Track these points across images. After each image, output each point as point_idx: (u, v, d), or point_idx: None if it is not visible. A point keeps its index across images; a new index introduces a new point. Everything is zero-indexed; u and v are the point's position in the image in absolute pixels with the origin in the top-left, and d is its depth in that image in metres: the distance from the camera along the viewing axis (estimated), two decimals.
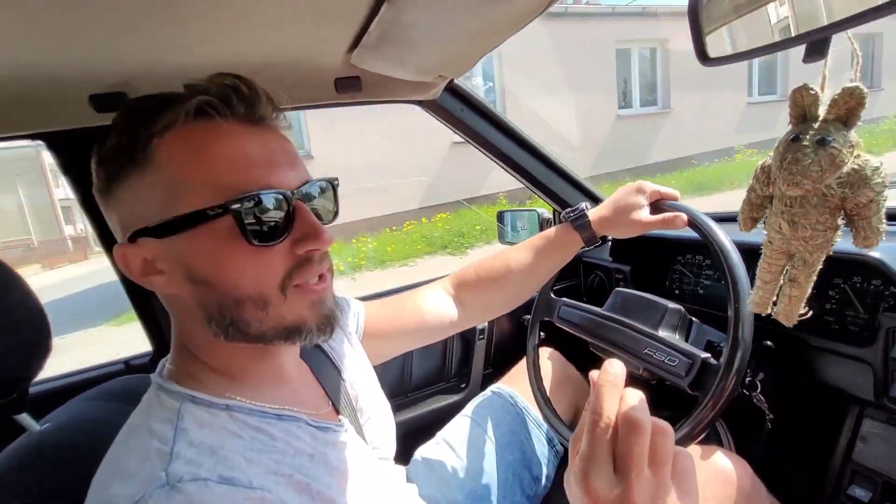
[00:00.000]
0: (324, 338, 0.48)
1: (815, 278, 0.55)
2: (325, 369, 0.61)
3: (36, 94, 0.70)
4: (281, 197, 0.43)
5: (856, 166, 0.47)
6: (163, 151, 0.41)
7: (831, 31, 0.36)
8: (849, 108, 0.46)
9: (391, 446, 0.65)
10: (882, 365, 0.70)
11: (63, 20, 0.50)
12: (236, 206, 0.41)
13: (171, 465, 0.38)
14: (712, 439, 0.91)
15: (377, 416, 0.63)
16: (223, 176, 0.41)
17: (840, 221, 0.51)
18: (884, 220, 0.49)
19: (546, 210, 1.39)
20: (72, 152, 0.83)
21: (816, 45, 0.39)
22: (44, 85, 0.68)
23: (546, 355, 1.06)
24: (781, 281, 0.57)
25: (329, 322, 0.48)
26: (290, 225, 0.44)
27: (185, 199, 0.41)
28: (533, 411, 0.97)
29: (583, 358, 1.04)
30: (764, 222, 0.58)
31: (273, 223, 0.42)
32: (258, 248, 0.42)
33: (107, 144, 0.44)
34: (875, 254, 0.71)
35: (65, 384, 0.96)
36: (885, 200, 0.48)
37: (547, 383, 0.99)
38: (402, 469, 0.70)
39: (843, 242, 0.52)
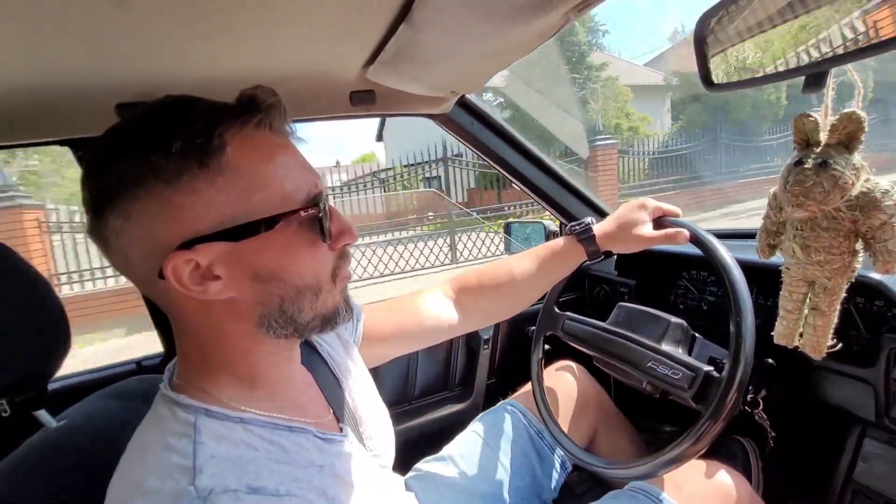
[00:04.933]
0: (348, 318, 0.52)
1: (838, 307, 0.55)
2: (325, 377, 0.62)
3: (64, 102, 0.73)
4: (327, 199, 0.48)
5: (865, 189, 0.48)
6: (236, 156, 0.42)
7: (826, 66, 0.38)
8: (849, 133, 0.47)
9: (390, 454, 0.66)
10: (883, 385, 0.71)
11: (94, 33, 0.53)
12: (312, 209, 0.45)
13: (197, 478, 0.38)
14: (738, 464, 0.90)
15: (376, 424, 0.64)
16: (289, 180, 0.45)
17: (859, 247, 0.52)
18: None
19: (552, 223, 1.41)
20: None
21: (814, 77, 0.40)
22: (72, 94, 0.71)
23: (567, 369, 1.04)
24: (805, 311, 0.58)
25: (349, 303, 0.53)
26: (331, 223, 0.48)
27: (261, 203, 0.43)
28: (548, 435, 0.93)
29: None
30: (780, 249, 0.59)
31: (326, 225, 0.47)
32: (318, 243, 0.47)
33: (160, 146, 0.40)
34: (875, 276, 0.71)
35: (78, 382, 0.97)
36: None
37: (565, 399, 0.97)
38: (400, 478, 0.70)
39: None
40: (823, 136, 0.50)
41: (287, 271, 0.45)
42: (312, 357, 0.63)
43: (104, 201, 0.41)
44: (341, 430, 0.56)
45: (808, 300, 0.57)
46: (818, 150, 0.49)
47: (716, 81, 0.53)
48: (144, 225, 0.41)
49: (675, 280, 1.15)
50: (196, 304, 0.44)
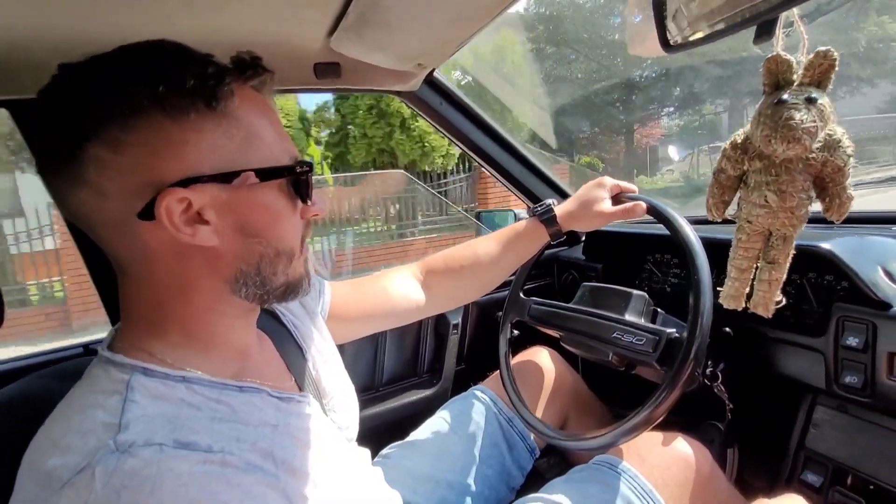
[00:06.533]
0: (307, 291, 0.53)
1: (791, 259, 0.56)
2: (287, 346, 0.60)
3: (2, 59, 0.69)
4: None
5: (829, 131, 0.49)
6: (240, 105, 0.43)
7: (777, 10, 0.39)
8: (822, 71, 0.48)
9: (354, 429, 0.64)
10: (833, 353, 0.73)
11: None
12: (302, 168, 0.47)
13: (119, 434, 0.36)
14: (714, 447, 0.89)
15: (340, 397, 0.62)
16: (278, 143, 0.47)
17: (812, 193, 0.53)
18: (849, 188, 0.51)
19: (523, 211, 1.42)
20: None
21: (765, 25, 0.41)
22: (10, 51, 0.67)
23: (537, 354, 1.04)
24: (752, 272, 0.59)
25: (310, 277, 0.54)
26: None
27: (260, 154, 0.45)
28: (518, 422, 0.91)
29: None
30: (738, 205, 0.59)
31: (310, 189, 0.49)
32: (296, 208, 0.48)
33: (169, 80, 0.40)
34: (826, 245, 0.74)
35: (17, 367, 0.91)
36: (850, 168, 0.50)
37: (535, 382, 0.97)
38: (367, 451, 0.69)
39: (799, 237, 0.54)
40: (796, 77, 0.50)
41: (271, 230, 0.46)
42: (276, 326, 0.61)
43: (86, 130, 0.39)
44: (303, 393, 0.54)
45: (759, 257, 0.58)
46: (793, 88, 0.50)
47: (671, 42, 0.54)
48: (139, 158, 0.40)
49: (641, 264, 1.17)
50: (172, 251, 0.43)
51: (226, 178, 0.42)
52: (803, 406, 0.80)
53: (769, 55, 0.50)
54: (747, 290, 0.60)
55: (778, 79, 0.51)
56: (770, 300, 0.57)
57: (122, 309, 0.47)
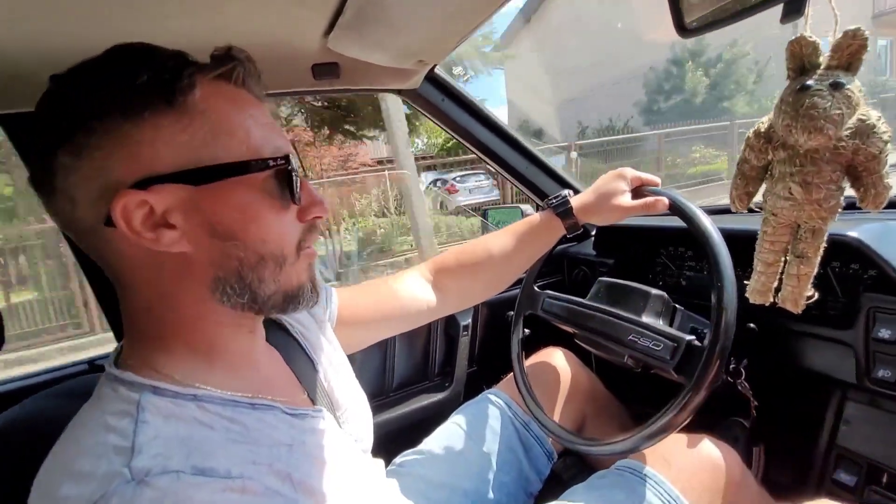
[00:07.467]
0: (314, 301, 0.49)
1: (822, 252, 0.53)
2: (298, 359, 0.58)
3: None
4: (298, 164, 0.45)
5: (861, 116, 0.46)
6: (203, 99, 0.41)
7: None
8: (851, 53, 0.45)
9: (369, 440, 0.62)
10: (864, 346, 0.70)
11: None
12: (280, 162, 0.43)
13: (134, 459, 0.34)
14: (739, 445, 0.86)
15: (353, 408, 0.60)
16: (257, 135, 0.43)
17: (845, 183, 0.49)
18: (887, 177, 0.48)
19: (529, 207, 1.39)
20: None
21: (793, 3, 0.38)
22: (1, 64, 0.65)
23: (551, 355, 1.01)
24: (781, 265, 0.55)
25: (316, 286, 0.49)
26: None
27: (225, 148, 0.41)
28: (535, 426, 0.89)
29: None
30: (764, 197, 0.56)
31: (296, 186, 0.44)
32: (283, 207, 0.44)
33: (124, 79, 0.39)
34: (853, 233, 0.71)
35: (24, 385, 0.90)
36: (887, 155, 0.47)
37: (550, 385, 0.94)
38: (381, 462, 0.67)
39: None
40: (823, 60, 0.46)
41: (248, 232, 0.42)
42: (284, 338, 0.59)
43: (56, 139, 0.39)
44: (316, 407, 0.52)
45: (787, 250, 0.54)
46: (820, 72, 0.46)
47: (689, 27, 0.51)
48: (97, 161, 0.38)
49: (654, 257, 1.14)
50: (145, 258, 0.41)
51: (190, 176, 0.39)
52: (832, 402, 0.77)
53: (791, 40, 0.46)
54: (775, 284, 0.57)
55: (803, 62, 0.47)
56: (800, 295, 0.54)
57: (124, 322, 0.46)
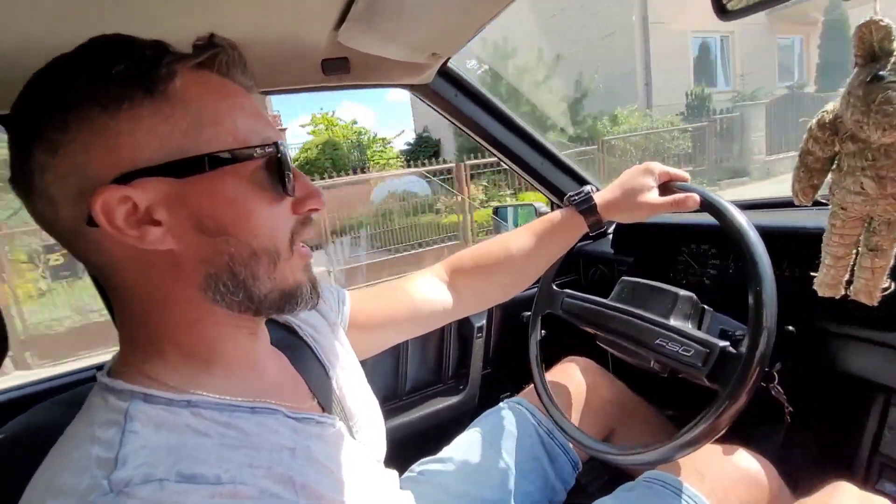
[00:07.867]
0: (313, 303, 0.47)
1: None
2: (307, 363, 0.55)
3: None
4: (289, 153, 0.43)
5: None
6: (185, 88, 0.39)
7: None
8: None
9: (382, 449, 0.60)
10: None
11: None
12: (269, 149, 0.41)
13: (116, 471, 0.33)
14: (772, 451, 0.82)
15: (366, 416, 0.58)
16: (244, 124, 0.41)
17: None
18: None
19: (543, 204, 1.35)
20: None
21: None
22: (4, 62, 0.63)
23: (573, 366, 0.98)
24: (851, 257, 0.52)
25: (317, 287, 0.47)
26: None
27: (210, 138, 0.39)
28: (559, 434, 0.86)
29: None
30: (830, 189, 0.52)
31: (287, 176, 0.42)
32: (275, 199, 0.42)
33: (99, 70, 0.37)
34: None
35: (31, 392, 0.89)
36: None
37: (576, 396, 0.91)
38: (395, 473, 0.64)
39: None
40: None
41: (237, 226, 0.40)
42: (291, 340, 0.56)
43: (31, 135, 0.37)
44: (325, 413, 0.50)
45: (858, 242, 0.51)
46: (894, 60, 0.42)
47: (729, 8, 0.47)
48: (74, 157, 0.36)
49: (675, 255, 1.10)
50: (133, 259, 0.39)
51: (173, 169, 0.37)
52: (875, 407, 0.73)
53: (860, 24, 0.42)
54: (846, 276, 0.53)
55: (874, 49, 0.42)
56: (875, 287, 0.51)
57: (119, 328, 0.43)
